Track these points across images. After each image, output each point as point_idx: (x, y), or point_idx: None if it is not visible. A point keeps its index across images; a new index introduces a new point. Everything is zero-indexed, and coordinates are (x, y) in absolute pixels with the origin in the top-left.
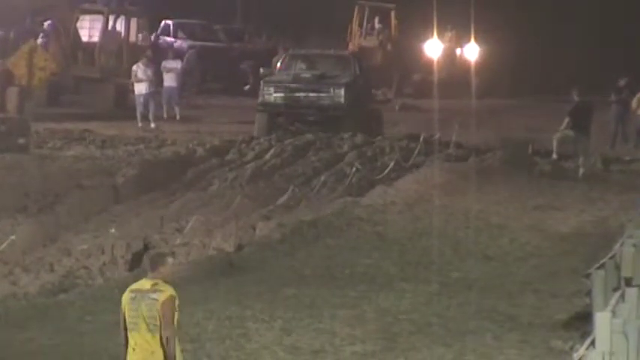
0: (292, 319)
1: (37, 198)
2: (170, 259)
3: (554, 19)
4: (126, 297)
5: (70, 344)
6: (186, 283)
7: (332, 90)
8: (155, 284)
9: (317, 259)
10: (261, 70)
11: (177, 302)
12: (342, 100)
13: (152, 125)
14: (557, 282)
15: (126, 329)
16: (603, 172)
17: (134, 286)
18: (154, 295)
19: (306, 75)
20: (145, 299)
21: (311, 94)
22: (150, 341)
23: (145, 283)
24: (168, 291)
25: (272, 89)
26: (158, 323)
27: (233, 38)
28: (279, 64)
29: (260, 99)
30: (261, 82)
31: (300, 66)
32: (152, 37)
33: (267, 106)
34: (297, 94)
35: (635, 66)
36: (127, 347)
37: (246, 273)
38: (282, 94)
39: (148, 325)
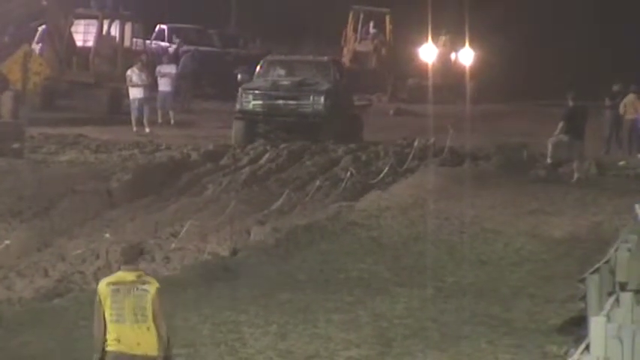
0: (287, 324)
1: (31, 203)
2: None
3: (549, 24)
4: (105, 290)
5: (64, 349)
6: (181, 287)
7: (312, 97)
8: (140, 275)
9: (312, 263)
10: (239, 76)
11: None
12: (322, 107)
13: (147, 130)
14: (551, 287)
15: (104, 321)
16: (598, 176)
17: (112, 278)
18: (144, 287)
19: (285, 82)
20: (132, 291)
21: (290, 102)
22: (136, 331)
23: (126, 276)
24: (155, 282)
25: (250, 96)
26: (147, 314)
27: (228, 43)
28: (257, 70)
29: (238, 106)
30: (239, 89)
31: (279, 72)
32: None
33: (245, 114)
34: (277, 102)
35: (629, 71)
36: (104, 338)
37: (241, 278)
38: (260, 102)
39: (135, 315)
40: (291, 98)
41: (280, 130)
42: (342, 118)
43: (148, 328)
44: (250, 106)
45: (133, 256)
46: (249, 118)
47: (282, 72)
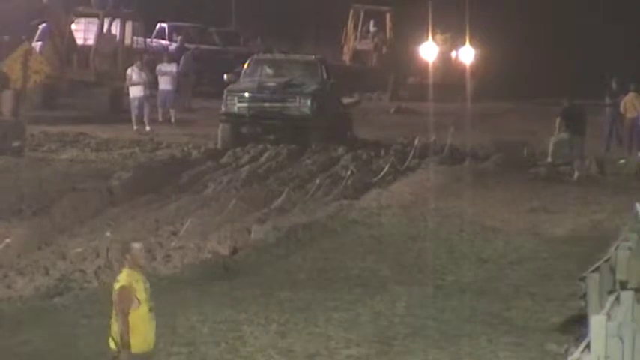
0: (287, 323)
1: (32, 201)
2: (136, 245)
3: (549, 23)
4: None
5: (65, 347)
6: (181, 286)
7: (298, 99)
8: (120, 272)
9: (312, 262)
10: (225, 76)
11: (130, 293)
12: (309, 110)
13: (147, 128)
14: (551, 285)
15: None
16: (598, 175)
17: None
18: (115, 284)
19: (272, 83)
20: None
21: (276, 104)
22: (112, 325)
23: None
24: (121, 281)
25: (236, 99)
26: (113, 309)
27: (228, 41)
28: (243, 69)
29: (223, 108)
30: (225, 91)
31: (266, 72)
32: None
33: (230, 117)
34: (262, 104)
35: (628, 69)
36: None
37: (241, 276)
38: (246, 104)
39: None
40: (277, 100)
41: (266, 133)
42: (330, 118)
43: (112, 324)
44: (235, 108)
45: (123, 252)
46: (234, 120)
47: (269, 71)
